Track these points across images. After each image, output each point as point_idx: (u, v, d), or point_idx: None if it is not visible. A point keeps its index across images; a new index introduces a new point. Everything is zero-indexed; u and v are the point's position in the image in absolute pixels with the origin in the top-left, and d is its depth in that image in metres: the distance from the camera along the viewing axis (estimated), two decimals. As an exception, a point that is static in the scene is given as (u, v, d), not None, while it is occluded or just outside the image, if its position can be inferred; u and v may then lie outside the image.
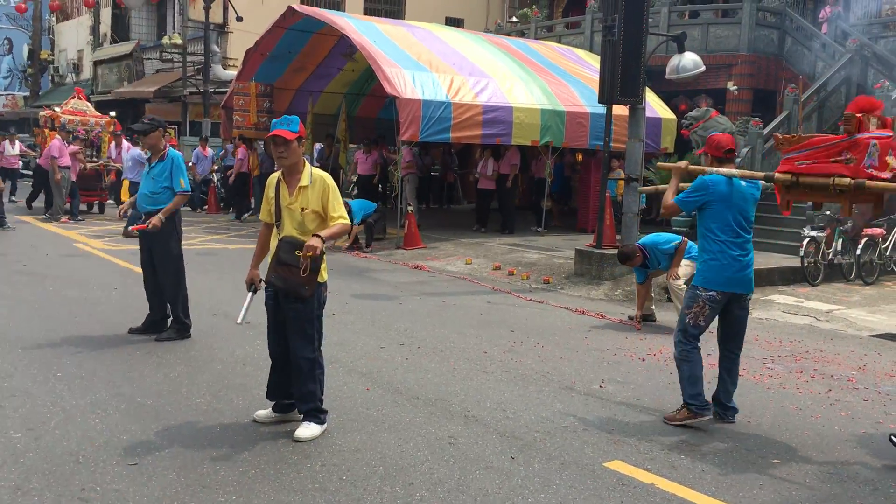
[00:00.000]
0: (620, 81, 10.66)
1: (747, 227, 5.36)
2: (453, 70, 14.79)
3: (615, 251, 10.83)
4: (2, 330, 7.03)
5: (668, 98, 17.65)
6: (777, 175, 5.26)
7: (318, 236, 4.56)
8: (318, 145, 20.19)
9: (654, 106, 16.59)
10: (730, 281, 5.27)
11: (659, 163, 5.98)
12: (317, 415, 4.75)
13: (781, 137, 5.49)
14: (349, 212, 13.67)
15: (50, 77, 37.25)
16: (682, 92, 18.07)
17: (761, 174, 5.48)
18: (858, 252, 11.95)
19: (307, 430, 4.70)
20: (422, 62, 14.61)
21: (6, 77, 42.81)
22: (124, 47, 27.86)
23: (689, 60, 11.66)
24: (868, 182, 4.78)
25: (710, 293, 5.27)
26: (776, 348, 7.74)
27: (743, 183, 5.36)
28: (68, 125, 17.22)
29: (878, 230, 12.18)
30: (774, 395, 6.09)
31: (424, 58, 14.86)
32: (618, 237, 11.50)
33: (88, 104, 18.12)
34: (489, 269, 11.90)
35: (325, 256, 4.69)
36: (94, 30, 30.05)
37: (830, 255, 11.98)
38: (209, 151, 19.34)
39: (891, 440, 4.87)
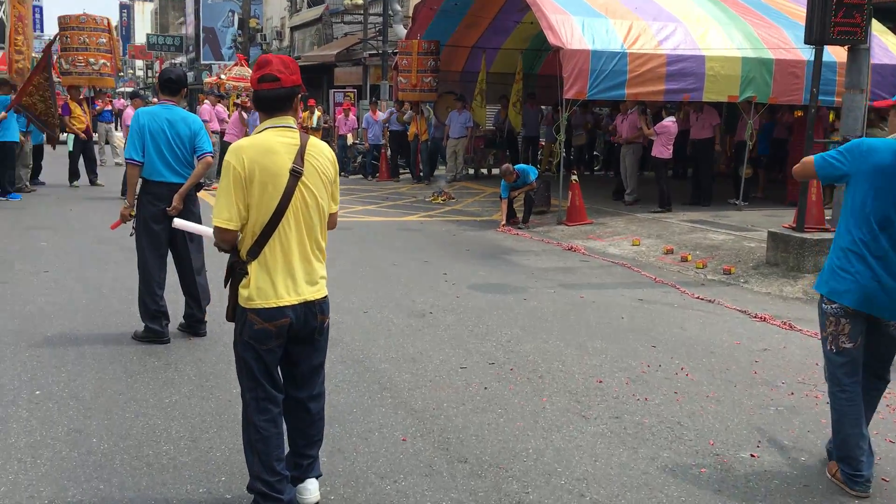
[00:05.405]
0: (834, 14, 8.07)
1: None
2: (633, 14, 12.55)
3: (824, 235, 8.42)
4: (39, 317, 6.18)
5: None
6: None
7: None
8: (490, 108, 18.65)
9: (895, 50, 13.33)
10: (868, 299, 3.58)
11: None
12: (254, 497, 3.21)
13: None
14: (522, 174, 11.95)
15: (259, 45, 38.59)
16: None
17: None
18: None
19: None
20: (595, 7, 12.53)
21: (230, 48, 45.02)
22: (315, 12, 27.80)
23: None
24: None
25: (834, 306, 3.68)
26: None
27: None
28: (232, 91, 16.97)
29: None
30: None
31: (599, 1, 12.76)
32: (827, 217, 8.98)
33: (250, 70, 17.83)
34: (658, 253, 9.81)
35: (245, 273, 3.11)
36: (292, -5, 30.40)
37: None
38: (379, 115, 18.40)
39: None
